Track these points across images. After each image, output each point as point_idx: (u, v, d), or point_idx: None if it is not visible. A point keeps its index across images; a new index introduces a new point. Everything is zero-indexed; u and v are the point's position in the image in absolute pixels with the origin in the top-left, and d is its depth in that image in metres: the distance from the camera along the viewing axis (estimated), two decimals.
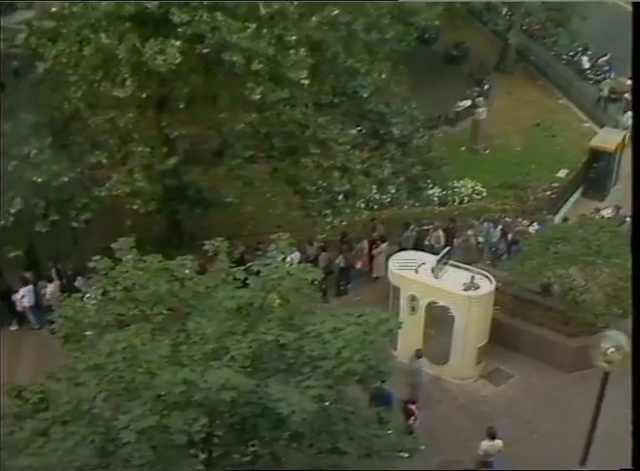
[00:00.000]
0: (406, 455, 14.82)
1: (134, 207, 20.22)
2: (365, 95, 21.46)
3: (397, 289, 19.50)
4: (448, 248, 20.59)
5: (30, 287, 21.29)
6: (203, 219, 24.01)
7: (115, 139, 20.51)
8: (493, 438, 15.81)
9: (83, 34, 18.89)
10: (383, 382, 13.94)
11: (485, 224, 24.81)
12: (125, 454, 9.71)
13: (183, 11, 18.08)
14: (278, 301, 10.88)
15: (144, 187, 19.76)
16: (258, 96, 18.92)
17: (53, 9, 20.41)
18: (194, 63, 19.55)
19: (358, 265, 23.42)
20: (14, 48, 35.55)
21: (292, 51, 18.87)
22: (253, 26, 18.45)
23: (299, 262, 18.02)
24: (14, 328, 21.97)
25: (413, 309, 19.07)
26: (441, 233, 23.79)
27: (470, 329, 18.53)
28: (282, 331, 10.29)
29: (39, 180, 19.34)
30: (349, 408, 11.69)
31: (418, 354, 17.96)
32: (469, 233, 24.36)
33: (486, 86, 35.20)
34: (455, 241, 23.74)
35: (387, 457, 12.16)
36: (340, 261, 22.69)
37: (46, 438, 10.32)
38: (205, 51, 18.67)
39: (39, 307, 21.41)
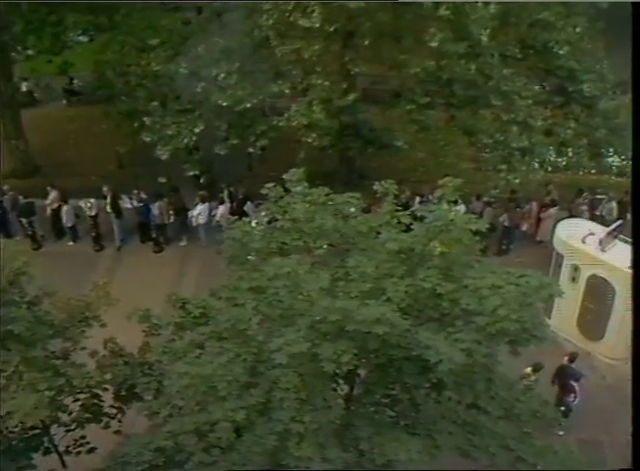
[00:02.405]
0: (561, 433, 14.60)
1: (309, 140, 20.54)
2: (560, 51, 20.48)
3: (559, 257, 18.86)
4: (620, 222, 19.58)
5: (206, 205, 22.22)
6: (374, 159, 24.05)
7: (298, 70, 20.81)
8: None
9: None
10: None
11: None
12: (273, 377, 10.06)
13: None
14: (439, 250, 10.75)
15: (321, 121, 20.00)
16: (435, 44, 18.55)
17: None
18: (384, 1, 19.36)
19: (524, 227, 22.79)
20: None
21: (479, 4, 18.31)
22: None
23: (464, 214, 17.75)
24: (183, 243, 23.15)
25: (574, 279, 18.41)
26: (614, 204, 22.62)
27: (631, 308, 17.61)
28: (440, 280, 10.21)
29: (224, 103, 20.02)
30: (494, 368, 11.54)
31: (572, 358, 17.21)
32: None
33: None
34: (628, 215, 22.53)
35: (526, 422, 11.97)
36: (505, 219, 22.16)
37: (202, 350, 10.88)
38: None
39: (209, 226, 22.34)
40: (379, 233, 11.37)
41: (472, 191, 21.69)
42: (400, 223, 11.45)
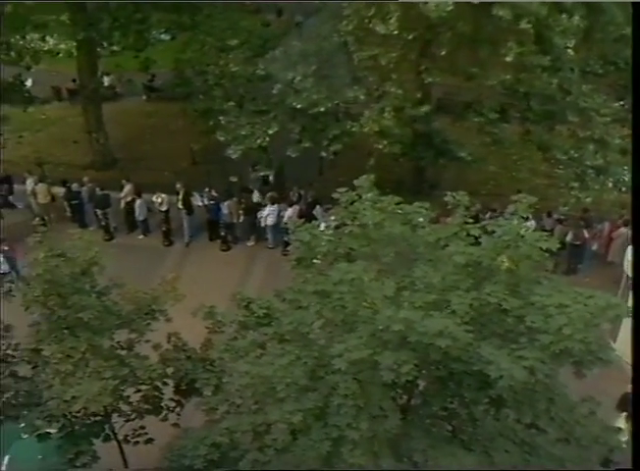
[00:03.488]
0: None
1: (380, 147, 20.54)
2: None
3: (629, 279, 18.40)
4: None
5: (276, 206, 22.41)
6: (445, 170, 23.92)
7: (375, 77, 20.85)
8: None
9: None
10: None
11: None
12: (332, 382, 10.08)
13: None
14: (507, 265, 10.62)
15: (391, 128, 20.00)
16: (510, 59, 18.36)
17: None
18: (464, 12, 19.24)
19: (594, 246, 22.33)
20: None
21: (564, 15, 18.02)
22: None
23: (534, 231, 17.50)
24: (250, 243, 23.39)
25: None
26: None
27: None
28: (506, 295, 10.07)
29: (299, 106, 20.20)
30: (556, 389, 11.33)
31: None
32: None
33: None
34: None
35: (587, 447, 11.70)
36: (575, 238, 21.76)
37: (264, 350, 10.97)
38: (477, 1, 18.30)
39: (277, 228, 22.53)
40: (447, 244, 11.29)
41: (544, 208, 21.36)
42: (469, 235, 11.35)
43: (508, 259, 10.50)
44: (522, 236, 10.61)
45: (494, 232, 11.12)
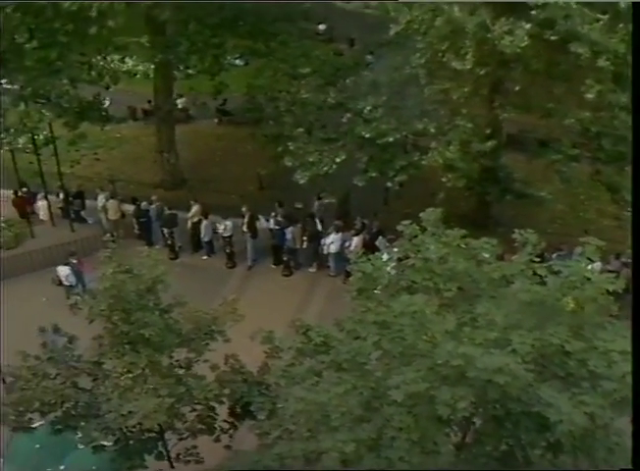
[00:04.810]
0: None
1: (444, 179, 20.48)
2: None
3: None
4: None
5: (340, 234, 22.46)
6: (511, 206, 23.67)
7: (445, 111, 20.83)
8: None
9: (438, 4, 19.24)
10: None
11: None
12: (387, 414, 10.02)
13: None
14: (572, 306, 10.46)
15: (455, 162, 19.93)
16: (592, 95, 18.10)
17: None
18: (539, 48, 19.13)
19: None
20: (368, 9, 37.44)
21: None
22: (606, 18, 17.60)
23: (600, 273, 17.16)
24: (312, 270, 23.48)
25: None
26: None
27: None
28: (569, 337, 9.90)
29: (367, 135, 20.31)
30: (615, 438, 11.02)
31: None
32: None
33: None
34: None
35: None
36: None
37: (320, 378, 10.97)
38: (553, 38, 18.18)
39: (340, 256, 22.57)
40: (512, 282, 11.18)
41: (611, 249, 20.91)
42: (534, 274, 11.22)
43: (573, 300, 10.34)
44: (588, 278, 10.45)
45: (560, 272, 10.98)
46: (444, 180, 20.64)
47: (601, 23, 17.46)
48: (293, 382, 11.41)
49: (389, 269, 11.62)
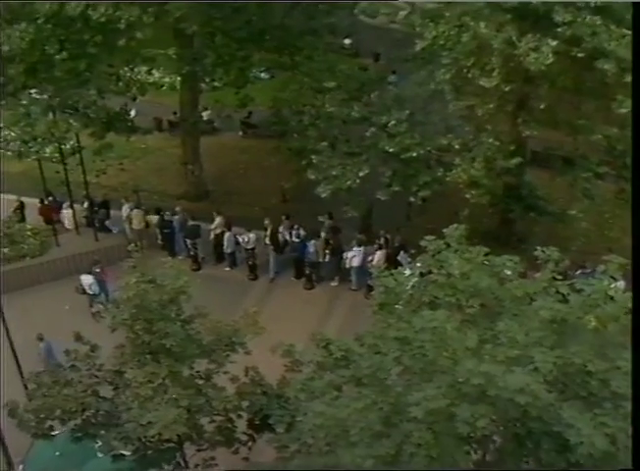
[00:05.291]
0: None
1: (467, 196, 20.42)
2: None
3: None
4: None
5: (362, 248, 22.43)
6: (535, 223, 23.55)
7: (470, 127, 20.80)
8: None
9: (464, 20, 19.26)
10: None
11: None
12: (406, 430, 9.99)
13: (566, 10, 17.69)
14: (594, 324, 10.38)
15: (480, 178, 19.87)
16: (625, 110, 17.98)
17: None
18: (565, 65, 19.08)
19: None
20: (394, 23, 37.52)
21: None
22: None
23: (624, 291, 17.01)
24: (334, 284, 23.47)
25: None
26: None
27: None
28: (591, 357, 9.84)
29: (391, 150, 20.33)
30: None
31: None
32: None
33: None
34: None
35: None
36: None
37: (340, 393, 10.97)
38: (580, 55, 18.13)
39: (362, 270, 22.56)
40: (534, 299, 11.12)
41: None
42: (556, 292, 11.16)
43: (596, 319, 10.27)
44: (611, 297, 10.38)
45: (582, 290, 10.92)
46: (468, 196, 20.59)
47: (627, 39, 17.38)
48: (312, 396, 11.41)
49: (411, 284, 11.60)
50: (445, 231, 11.69)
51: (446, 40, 19.61)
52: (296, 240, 23.15)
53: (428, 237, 11.55)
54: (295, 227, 23.19)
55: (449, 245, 11.44)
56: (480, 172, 19.91)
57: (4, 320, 15.09)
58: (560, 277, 11.50)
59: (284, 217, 23.66)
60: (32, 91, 22.83)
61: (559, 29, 17.85)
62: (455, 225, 11.91)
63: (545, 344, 10.10)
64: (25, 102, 22.39)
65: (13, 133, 26.51)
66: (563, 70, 19.28)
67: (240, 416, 13.83)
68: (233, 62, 23.60)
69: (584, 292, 10.80)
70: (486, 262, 11.43)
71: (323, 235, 22.96)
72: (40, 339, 18.26)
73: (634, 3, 8.16)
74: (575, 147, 20.87)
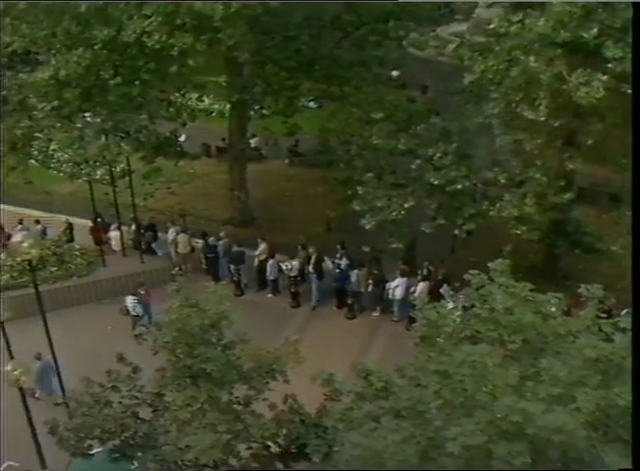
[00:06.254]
0: None
1: (517, 232, 20.24)
2: None
3: None
4: None
5: (405, 279, 22.36)
6: (580, 260, 23.26)
7: (517, 161, 20.70)
8: None
9: (514, 54, 19.27)
10: None
11: None
12: (443, 465, 9.89)
13: (617, 46, 17.60)
14: None
15: (532, 215, 19.70)
16: None
17: (491, 25, 21.15)
18: (615, 101, 18.94)
19: None
20: (442, 56, 37.70)
21: None
22: None
23: None
24: (376, 314, 23.39)
25: None
26: None
27: None
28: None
29: (436, 182, 20.30)
30: None
31: None
32: None
33: None
34: None
35: None
36: None
37: (378, 424, 10.88)
38: (629, 91, 18.00)
39: (404, 302, 22.46)
40: (577, 337, 10.98)
41: None
42: (600, 331, 11.00)
43: None
44: None
45: (627, 329, 10.75)
46: (513, 231, 20.43)
47: None
48: (350, 426, 11.35)
49: (453, 318, 11.54)
50: (490, 265, 11.62)
51: (494, 74, 19.64)
52: (339, 270, 23.17)
53: (472, 271, 11.50)
54: (338, 256, 23.23)
55: (492, 280, 11.37)
56: (532, 208, 19.77)
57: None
58: (604, 315, 11.35)
59: (339, 246, 23.66)
60: (86, 115, 23.38)
61: (609, 65, 17.76)
62: (500, 259, 11.85)
63: (588, 384, 9.95)
64: (79, 125, 22.98)
65: (66, 155, 27.30)
66: (613, 105, 19.13)
67: (276, 444, 13.78)
68: (282, 91, 23.89)
69: (629, 332, 10.64)
70: (530, 298, 11.33)
71: (366, 265, 22.96)
72: (38, 358, 18.39)
73: (634, 3, 8.13)
74: (622, 184, 20.62)
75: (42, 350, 17.00)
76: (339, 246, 23.55)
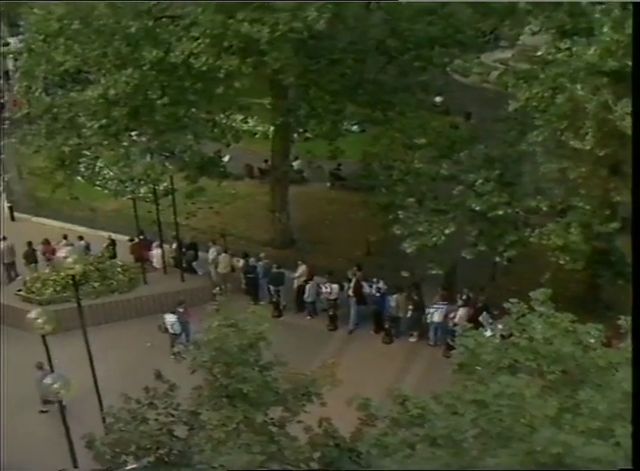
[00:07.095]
0: None
1: (561, 262, 20.01)
2: None
3: None
4: None
5: (445, 305, 22.25)
6: (622, 291, 22.90)
7: (560, 190, 20.54)
8: None
9: (559, 82, 19.18)
10: None
11: None
12: None
13: None
14: None
15: (577, 244, 19.48)
16: None
17: (538, 52, 21.10)
18: None
19: None
20: (486, 83, 37.69)
21: None
22: None
23: None
24: (413, 339, 23.28)
25: None
26: None
27: None
28: None
29: (478, 208, 20.22)
30: None
31: None
32: None
33: None
34: None
35: None
36: None
37: (413, 451, 10.80)
38: None
39: (442, 327, 22.35)
40: (617, 370, 10.81)
41: None
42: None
43: None
44: None
45: None
46: (555, 259, 20.22)
47: None
48: (385, 452, 11.27)
49: (492, 346, 11.45)
50: (531, 294, 11.52)
51: (539, 102, 19.57)
52: (378, 294, 23.13)
53: (512, 300, 11.41)
54: (375, 280, 23.21)
55: (533, 309, 11.27)
56: (577, 237, 19.56)
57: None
58: None
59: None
60: (133, 134, 23.80)
61: None
62: (542, 289, 11.74)
63: (627, 418, 9.78)
64: (125, 144, 23.40)
65: (111, 173, 27.84)
66: None
67: (310, 467, 13.73)
68: (326, 114, 24.08)
69: None
70: (570, 328, 11.21)
71: (405, 289, 22.90)
72: (39, 367, 18.51)
73: (634, 3, 8.05)
74: None
75: (82, 364, 17.19)
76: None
